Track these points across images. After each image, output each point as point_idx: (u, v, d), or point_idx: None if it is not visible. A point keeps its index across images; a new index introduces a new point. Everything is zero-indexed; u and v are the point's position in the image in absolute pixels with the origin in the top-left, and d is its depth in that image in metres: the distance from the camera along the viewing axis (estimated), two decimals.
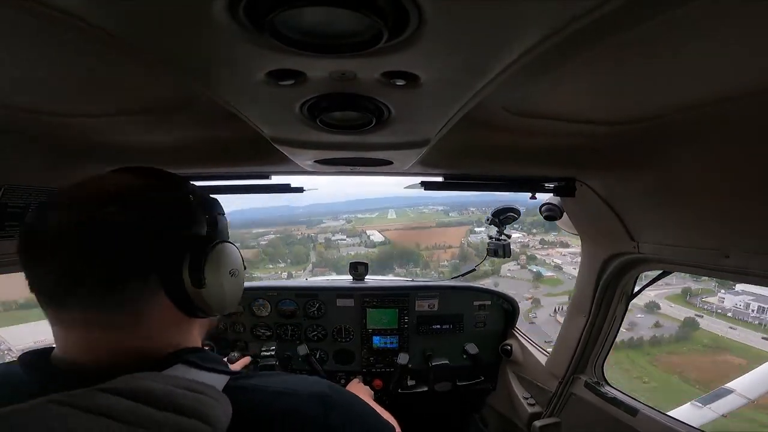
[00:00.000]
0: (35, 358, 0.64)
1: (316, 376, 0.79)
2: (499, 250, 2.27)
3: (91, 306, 0.59)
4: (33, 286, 0.61)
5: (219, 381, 0.63)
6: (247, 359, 1.98)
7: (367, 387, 1.78)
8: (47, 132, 1.15)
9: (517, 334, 2.71)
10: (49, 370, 0.61)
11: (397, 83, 0.67)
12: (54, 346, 0.65)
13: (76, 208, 0.60)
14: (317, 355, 2.66)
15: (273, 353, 2.42)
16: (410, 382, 2.67)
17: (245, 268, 0.83)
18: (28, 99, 0.96)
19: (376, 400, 1.42)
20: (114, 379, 0.52)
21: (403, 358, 2.48)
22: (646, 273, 1.87)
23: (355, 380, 1.94)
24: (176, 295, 0.66)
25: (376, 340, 2.69)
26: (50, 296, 0.60)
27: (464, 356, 2.60)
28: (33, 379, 0.62)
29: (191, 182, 0.77)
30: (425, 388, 2.61)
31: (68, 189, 0.64)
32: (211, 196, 0.78)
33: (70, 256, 0.58)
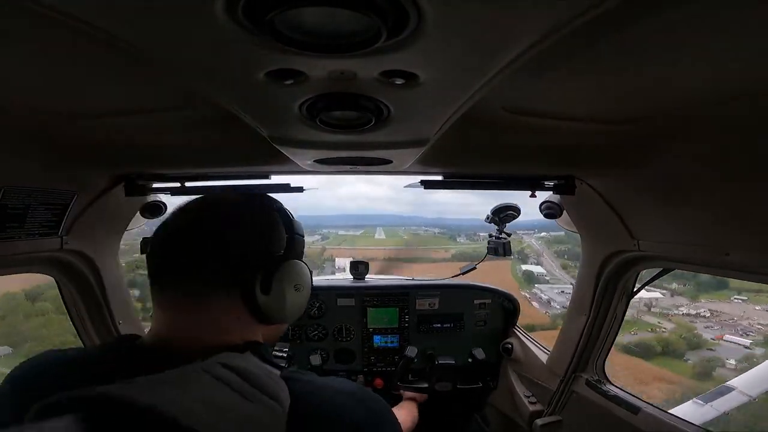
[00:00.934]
0: (126, 340, 0.78)
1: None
2: (499, 248, 2.27)
3: (186, 293, 0.74)
4: (150, 270, 0.77)
5: (276, 372, 0.71)
6: None
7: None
8: (47, 133, 1.16)
9: (517, 333, 2.71)
10: (141, 349, 0.75)
11: (397, 82, 0.67)
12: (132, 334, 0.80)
13: (195, 214, 0.80)
14: (319, 354, 2.66)
15: (285, 354, 2.42)
16: (411, 378, 2.67)
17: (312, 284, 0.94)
18: (27, 99, 0.96)
19: None
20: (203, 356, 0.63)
21: (411, 351, 2.47)
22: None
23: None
24: (248, 299, 0.77)
25: (377, 340, 2.70)
26: (155, 277, 0.77)
27: (469, 359, 2.60)
28: (124, 356, 0.73)
29: (280, 204, 0.91)
30: (425, 385, 2.61)
31: (195, 200, 0.83)
32: (295, 218, 0.90)
33: (178, 252, 0.75)
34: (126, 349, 0.75)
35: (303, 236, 0.90)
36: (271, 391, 0.61)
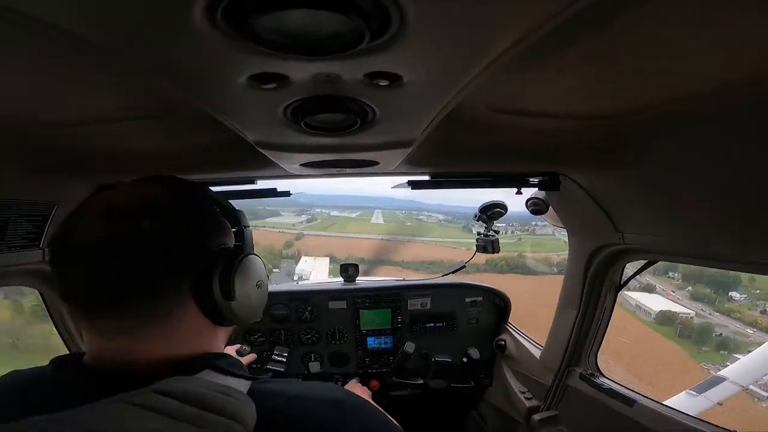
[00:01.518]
0: (70, 364, 0.67)
1: (330, 382, 0.82)
2: (488, 246, 2.29)
3: (126, 315, 0.62)
4: (67, 297, 0.64)
5: (243, 385, 0.65)
6: (253, 356, 1.97)
7: (365, 388, 1.79)
8: (25, 143, 1.13)
9: (510, 329, 2.73)
10: (86, 374, 0.65)
11: (381, 84, 0.66)
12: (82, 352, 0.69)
13: (110, 221, 0.62)
14: (312, 358, 2.65)
15: (285, 359, 2.41)
16: (406, 374, 2.68)
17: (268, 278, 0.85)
18: (3, 107, 0.94)
19: (374, 400, 1.42)
20: (149, 382, 0.54)
21: (409, 347, 2.49)
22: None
23: (353, 381, 1.94)
24: (206, 305, 0.69)
25: (371, 341, 2.69)
26: (85, 306, 0.63)
27: (464, 359, 2.61)
28: (70, 382, 0.64)
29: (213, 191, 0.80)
30: (420, 381, 2.62)
31: (99, 200, 0.67)
32: (236, 207, 0.82)
33: (106, 268, 0.60)
34: (63, 378, 0.66)
35: (249, 226, 0.83)
36: (226, 410, 0.54)
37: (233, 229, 0.80)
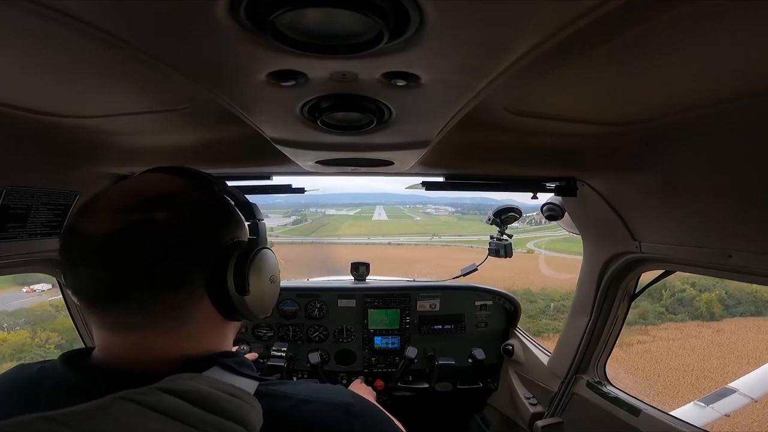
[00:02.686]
0: (78, 359, 0.66)
1: (339, 385, 0.80)
2: (501, 250, 2.28)
3: (137, 309, 0.61)
4: (76, 289, 0.62)
5: (251, 386, 0.64)
6: (254, 355, 1.98)
7: (369, 388, 1.79)
8: (49, 133, 1.16)
9: (518, 334, 2.71)
10: (93, 369, 0.64)
11: (398, 84, 0.66)
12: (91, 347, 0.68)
13: (124, 212, 0.60)
14: (318, 354, 2.66)
15: (284, 354, 2.42)
16: (411, 379, 2.67)
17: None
18: (29, 100, 0.97)
19: (378, 400, 1.42)
20: (158, 379, 0.53)
21: (411, 351, 2.48)
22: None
23: (357, 381, 1.94)
24: (219, 299, 0.67)
25: (378, 341, 2.69)
26: (96, 300, 0.62)
27: (469, 360, 2.60)
28: (77, 377, 0.63)
29: (226, 185, 0.78)
30: (425, 385, 2.61)
31: (112, 192, 0.65)
32: (250, 200, 0.79)
33: (118, 261, 0.59)
34: (78, 369, 0.65)
35: (263, 220, 0.81)
36: (233, 413, 0.52)
37: (247, 223, 0.79)
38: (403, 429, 0.81)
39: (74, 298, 0.63)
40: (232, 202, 0.78)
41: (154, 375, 0.54)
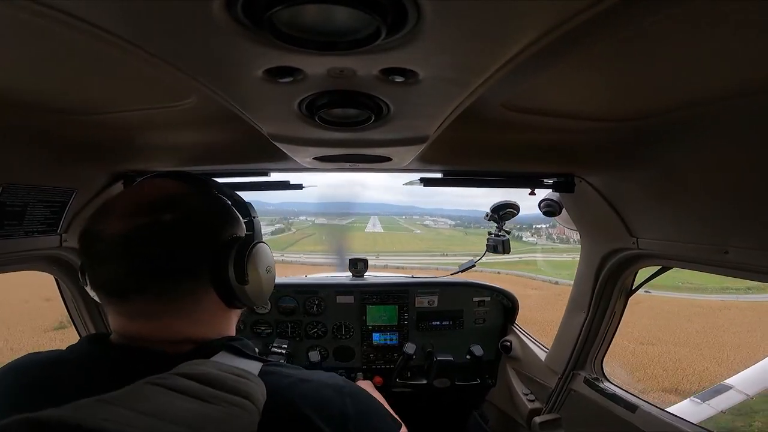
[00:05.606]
0: (101, 340, 0.75)
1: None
2: (499, 245, 2.28)
3: (151, 300, 0.71)
4: (96, 285, 0.72)
5: (255, 367, 0.71)
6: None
7: (369, 382, 1.81)
8: (45, 130, 1.15)
9: (516, 330, 2.72)
10: (115, 350, 0.73)
11: (396, 80, 0.66)
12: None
13: (135, 215, 0.70)
14: (318, 351, 2.67)
15: (284, 351, 2.43)
16: (409, 375, 2.69)
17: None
18: (25, 97, 0.96)
19: None
20: (171, 358, 0.65)
21: (409, 348, 2.50)
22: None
23: (366, 382, 1.95)
24: (222, 289, 0.76)
25: (376, 337, 2.70)
26: (114, 292, 0.71)
27: (468, 356, 2.61)
28: (101, 355, 0.72)
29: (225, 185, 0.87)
30: (424, 381, 2.62)
31: (123, 197, 0.77)
32: (245, 198, 0.88)
33: (133, 258, 0.68)
34: (100, 354, 0.73)
35: (258, 216, 0.90)
36: (239, 389, 0.60)
37: (243, 220, 0.87)
38: (393, 413, 0.86)
39: (93, 292, 0.73)
40: (229, 202, 0.87)
41: (167, 355, 0.67)
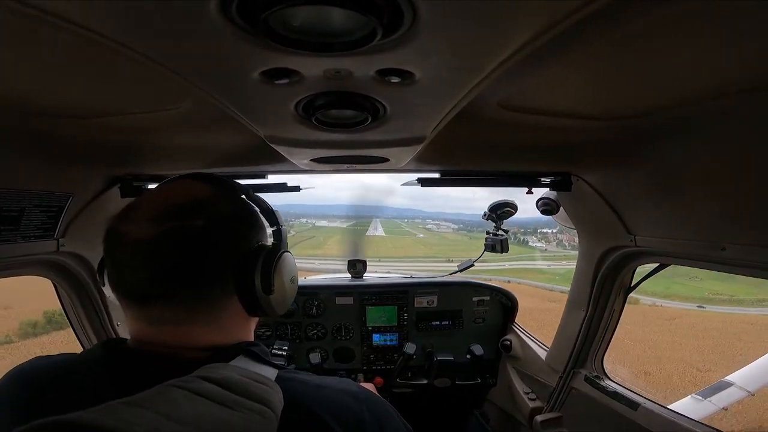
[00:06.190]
0: (117, 346, 0.73)
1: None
2: (497, 245, 2.28)
3: (175, 306, 0.69)
4: (118, 288, 0.70)
5: (272, 373, 0.70)
6: None
7: (372, 385, 1.80)
8: (42, 134, 1.15)
9: (516, 329, 2.72)
10: (131, 356, 0.71)
11: (392, 81, 0.66)
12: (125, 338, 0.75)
13: (163, 219, 0.68)
14: (318, 353, 2.66)
15: (285, 353, 2.42)
16: (410, 375, 2.69)
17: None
18: (21, 100, 0.96)
19: None
20: (188, 364, 0.62)
21: (410, 348, 2.49)
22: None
23: (369, 385, 1.95)
24: (247, 297, 0.74)
25: (376, 338, 2.70)
26: (136, 297, 0.69)
27: (468, 356, 2.61)
28: (117, 362, 0.70)
29: (251, 192, 0.85)
30: (424, 381, 2.62)
31: (149, 199, 0.74)
32: (272, 207, 0.87)
33: (159, 263, 0.66)
34: (116, 360, 0.71)
35: (284, 225, 0.89)
36: (259, 396, 0.59)
37: (272, 229, 0.86)
38: (401, 416, 0.85)
39: (114, 295, 0.71)
40: (257, 209, 0.85)
41: (186, 361, 0.64)
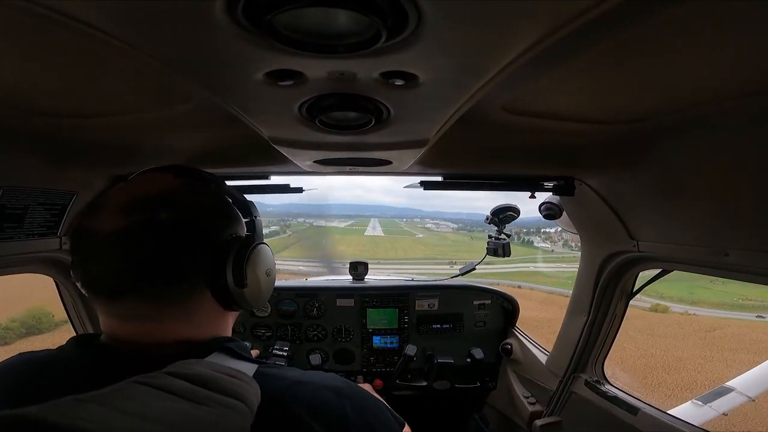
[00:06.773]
0: (88, 342, 0.72)
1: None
2: (499, 249, 2.28)
3: (145, 301, 0.67)
4: (86, 283, 0.68)
5: (249, 368, 0.68)
6: (256, 352, 1.98)
7: (369, 385, 1.80)
8: (46, 133, 1.15)
9: (517, 333, 2.71)
10: (103, 351, 0.69)
11: (396, 83, 0.66)
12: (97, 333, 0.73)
13: (130, 212, 0.66)
14: (318, 354, 2.66)
15: (285, 354, 2.42)
16: (409, 377, 2.68)
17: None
18: (26, 100, 0.96)
19: None
20: (161, 360, 0.59)
21: (410, 349, 2.49)
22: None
23: (366, 385, 1.95)
24: (219, 291, 0.73)
25: (376, 340, 2.69)
26: (105, 291, 0.67)
27: (468, 359, 2.60)
28: (89, 358, 0.69)
29: (225, 184, 0.83)
30: (424, 383, 2.62)
31: (117, 192, 0.71)
32: (247, 197, 0.84)
33: (126, 257, 0.65)
34: (89, 357, 0.69)
35: (260, 216, 0.87)
36: (231, 390, 0.57)
37: (245, 220, 0.83)
38: (393, 411, 0.84)
39: (83, 291, 0.69)
40: (230, 200, 0.82)
41: (158, 356, 0.62)
